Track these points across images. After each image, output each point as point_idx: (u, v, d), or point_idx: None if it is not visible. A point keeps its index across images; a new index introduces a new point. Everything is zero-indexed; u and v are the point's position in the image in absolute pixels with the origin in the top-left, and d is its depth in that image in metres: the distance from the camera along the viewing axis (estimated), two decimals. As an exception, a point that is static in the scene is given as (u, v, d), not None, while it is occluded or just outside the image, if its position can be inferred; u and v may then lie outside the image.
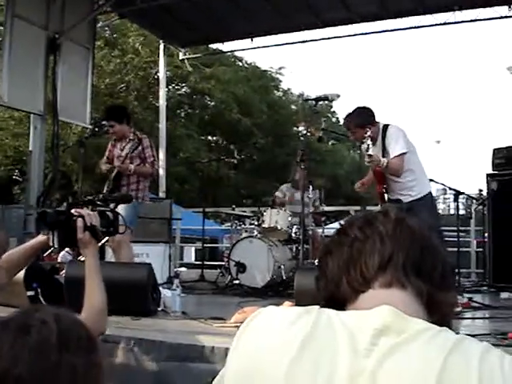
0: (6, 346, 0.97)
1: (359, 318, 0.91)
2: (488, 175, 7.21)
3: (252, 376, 0.90)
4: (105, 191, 6.02)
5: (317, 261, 1.13)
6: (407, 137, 5.33)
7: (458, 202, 7.20)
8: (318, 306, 0.97)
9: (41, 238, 2.35)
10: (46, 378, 0.97)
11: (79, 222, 2.23)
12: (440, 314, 0.98)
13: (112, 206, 2.96)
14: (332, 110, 29.89)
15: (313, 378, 0.85)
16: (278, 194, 8.04)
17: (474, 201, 8.42)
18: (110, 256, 6.16)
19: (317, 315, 0.93)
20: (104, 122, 6.21)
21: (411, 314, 0.91)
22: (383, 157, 5.22)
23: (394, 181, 5.29)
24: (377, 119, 5.37)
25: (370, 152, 5.05)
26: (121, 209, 5.88)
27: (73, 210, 2.29)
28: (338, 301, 1.01)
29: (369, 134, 5.08)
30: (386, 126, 5.31)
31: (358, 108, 5.42)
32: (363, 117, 5.33)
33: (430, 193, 5.43)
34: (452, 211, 13.09)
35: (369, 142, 5.03)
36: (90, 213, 2.29)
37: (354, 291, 0.99)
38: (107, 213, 2.45)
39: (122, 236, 5.85)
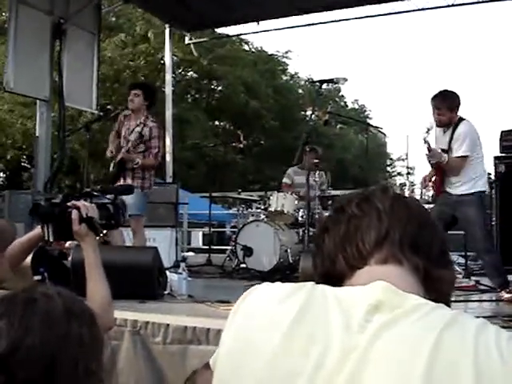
0: (16, 317, 1.00)
1: (354, 293, 0.91)
2: (495, 158, 7.17)
3: (244, 352, 0.91)
4: (110, 170, 6.03)
5: (314, 239, 1.14)
6: (477, 138, 5.26)
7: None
8: (312, 282, 0.96)
9: (38, 230, 2.30)
10: (56, 346, 1.00)
11: (74, 213, 2.15)
12: (437, 291, 0.97)
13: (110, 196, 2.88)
14: (340, 94, 29.82)
15: (305, 353, 0.85)
16: (285, 180, 8.04)
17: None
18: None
19: (310, 290, 0.93)
20: (110, 107, 6.22)
21: (407, 290, 0.91)
22: (449, 148, 5.19)
23: (450, 176, 5.27)
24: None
25: (433, 146, 5.10)
26: (130, 197, 5.90)
27: (68, 202, 2.22)
28: (334, 277, 1.00)
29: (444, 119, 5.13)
30: (460, 120, 5.22)
31: (452, 91, 5.31)
32: (457, 101, 5.25)
33: (482, 192, 5.32)
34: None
35: (428, 135, 5.04)
36: (86, 204, 2.22)
37: (350, 267, 0.99)
38: (107, 205, 2.37)
39: (136, 223, 5.91)
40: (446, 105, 5.17)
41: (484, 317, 3.64)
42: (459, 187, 5.21)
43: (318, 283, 0.97)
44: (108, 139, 6.38)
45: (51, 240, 2.26)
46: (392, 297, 0.88)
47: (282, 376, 0.85)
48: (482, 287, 5.68)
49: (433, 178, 5.43)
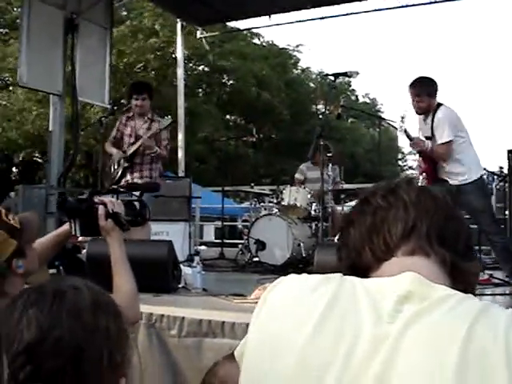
0: (45, 307, 1.02)
1: (382, 284, 0.91)
2: (509, 151, 7.12)
3: (274, 344, 0.91)
4: (113, 168, 6.07)
5: (339, 231, 1.14)
6: (458, 121, 5.26)
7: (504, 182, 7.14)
8: (340, 274, 0.97)
9: (66, 226, 2.31)
10: (83, 338, 1.01)
11: (101, 209, 2.19)
12: (464, 282, 0.98)
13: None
14: (351, 88, 29.71)
15: (335, 344, 0.85)
16: (297, 175, 8.03)
17: (495, 177, 8.34)
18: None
19: (339, 282, 0.93)
20: (123, 101, 6.26)
21: (435, 281, 0.91)
22: (432, 135, 5.20)
23: (441, 165, 5.27)
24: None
25: (415, 135, 5.10)
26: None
27: (95, 198, 2.26)
28: (360, 269, 1.00)
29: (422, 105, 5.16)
30: (438, 105, 5.24)
31: (429, 77, 5.34)
32: (436, 87, 5.28)
33: (481, 178, 5.37)
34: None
35: (403, 124, 5.05)
36: (112, 200, 2.25)
37: (377, 259, 0.99)
38: (133, 202, 2.40)
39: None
40: (426, 91, 5.20)
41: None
42: (457, 177, 5.21)
43: (344, 275, 0.97)
44: None
45: (78, 235, 2.28)
46: (421, 287, 0.89)
47: (313, 367, 0.85)
48: (496, 281, 5.66)
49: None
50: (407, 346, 0.82)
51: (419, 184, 1.08)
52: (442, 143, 5.12)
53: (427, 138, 5.29)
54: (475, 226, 6.93)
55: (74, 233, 2.27)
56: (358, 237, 1.02)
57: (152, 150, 5.94)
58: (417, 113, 5.35)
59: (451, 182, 5.23)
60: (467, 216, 6.63)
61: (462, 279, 0.98)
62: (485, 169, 5.74)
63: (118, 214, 2.22)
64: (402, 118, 5.50)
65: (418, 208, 1.00)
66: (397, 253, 0.98)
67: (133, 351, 3.37)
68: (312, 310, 0.89)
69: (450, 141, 5.10)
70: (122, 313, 1.93)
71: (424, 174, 5.47)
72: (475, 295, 0.98)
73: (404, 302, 0.87)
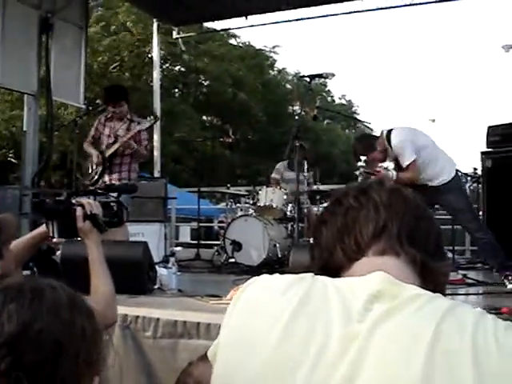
0: (25, 304, 1.03)
1: (353, 284, 0.92)
2: (482, 153, 7.22)
3: (246, 343, 0.92)
4: (91, 169, 6.04)
5: (312, 231, 1.15)
6: (413, 136, 5.34)
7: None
8: (311, 274, 0.97)
9: (42, 228, 2.31)
10: (63, 334, 1.02)
11: (79, 210, 2.18)
12: (434, 282, 0.99)
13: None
14: (327, 89, 29.84)
15: (306, 344, 0.86)
16: (274, 175, 8.05)
17: (469, 179, 8.44)
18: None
19: (311, 282, 0.94)
20: (98, 101, 6.23)
21: (405, 281, 0.92)
22: (397, 161, 5.32)
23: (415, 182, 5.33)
24: (377, 135, 5.53)
25: (378, 168, 5.28)
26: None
27: (73, 200, 2.25)
28: (332, 269, 1.01)
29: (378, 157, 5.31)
30: (388, 133, 5.33)
31: (361, 137, 5.68)
32: (373, 139, 5.46)
33: (456, 176, 5.44)
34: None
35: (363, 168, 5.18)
36: (90, 201, 2.25)
37: (348, 259, 1.00)
38: (111, 203, 2.40)
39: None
40: (371, 149, 5.35)
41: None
42: (434, 180, 5.28)
43: (316, 275, 0.98)
44: None
45: (56, 237, 2.27)
46: (391, 287, 0.90)
47: (284, 366, 0.86)
48: (469, 281, 5.73)
49: None
50: (376, 345, 0.83)
51: (391, 185, 1.08)
52: (408, 165, 5.20)
53: (394, 161, 5.43)
54: (449, 227, 7.04)
55: (51, 234, 2.26)
56: (330, 237, 1.03)
57: (131, 146, 5.93)
58: (381, 162, 5.48)
59: (430, 184, 5.29)
60: (448, 216, 6.72)
61: (432, 279, 0.99)
62: (458, 170, 5.79)
63: (96, 216, 2.21)
64: (365, 162, 5.64)
65: (389, 209, 1.01)
66: (368, 253, 0.99)
67: (107, 351, 3.35)
68: (283, 310, 0.90)
69: (414, 160, 5.18)
70: (98, 314, 1.94)
71: None
72: (445, 295, 1.00)
73: (374, 301, 0.88)
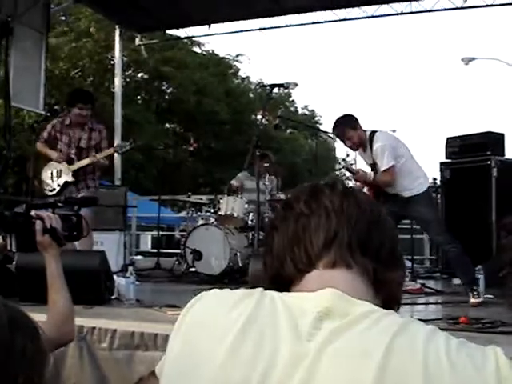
0: None
1: (303, 300, 0.89)
2: (441, 164, 7.34)
3: (192, 361, 0.89)
4: (52, 179, 5.93)
5: (264, 236, 1.12)
6: (395, 142, 5.37)
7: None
8: (261, 289, 0.95)
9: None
10: (0, 356, 0.98)
11: (38, 224, 2.14)
12: (387, 292, 0.97)
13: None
14: (291, 98, 30.02)
15: (253, 363, 0.83)
16: (232, 182, 8.02)
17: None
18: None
19: (259, 297, 0.91)
20: (57, 107, 6.13)
21: (356, 296, 0.90)
22: (374, 163, 5.31)
23: (388, 189, 5.37)
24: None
25: (355, 168, 5.18)
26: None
27: (32, 212, 2.20)
28: (282, 280, 0.98)
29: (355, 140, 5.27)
30: (372, 134, 5.33)
31: (343, 115, 5.43)
32: (354, 119, 5.38)
33: (429, 189, 5.49)
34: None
35: (348, 161, 5.18)
36: (50, 215, 2.21)
37: (299, 271, 0.97)
38: (71, 216, 2.35)
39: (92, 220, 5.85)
40: (348, 127, 5.32)
41: (429, 320, 3.73)
42: (406, 191, 5.29)
43: (267, 287, 0.95)
44: None
45: (14, 250, 2.22)
46: (341, 304, 0.87)
47: None
48: (428, 290, 5.80)
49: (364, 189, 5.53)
50: (325, 364, 0.81)
51: (344, 188, 1.05)
52: (385, 170, 5.21)
53: (371, 165, 5.41)
54: (408, 236, 7.11)
55: (9, 247, 2.19)
56: (281, 246, 1.00)
57: (102, 164, 5.95)
58: (353, 149, 5.52)
59: (402, 194, 5.32)
60: (407, 226, 6.76)
61: (385, 289, 0.97)
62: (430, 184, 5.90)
63: (56, 230, 2.18)
64: (344, 159, 5.60)
65: (341, 215, 0.97)
66: (318, 265, 0.95)
67: (61, 364, 3.28)
68: (230, 328, 0.87)
69: (392, 166, 5.20)
70: (54, 330, 1.93)
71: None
72: (400, 305, 0.99)
73: (323, 319, 0.85)
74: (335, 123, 5.39)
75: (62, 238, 2.20)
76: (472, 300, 4.84)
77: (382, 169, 5.23)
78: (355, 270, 0.95)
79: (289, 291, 0.96)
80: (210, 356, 0.87)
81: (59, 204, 2.52)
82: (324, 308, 0.86)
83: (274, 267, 1.00)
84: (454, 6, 9.04)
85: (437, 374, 0.78)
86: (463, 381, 0.78)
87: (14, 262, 4.31)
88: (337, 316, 0.85)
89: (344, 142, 5.41)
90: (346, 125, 5.33)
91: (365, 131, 5.37)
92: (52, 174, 5.95)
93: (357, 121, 5.36)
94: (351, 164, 5.63)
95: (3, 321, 1.02)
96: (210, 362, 0.86)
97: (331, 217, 0.97)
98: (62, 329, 2.05)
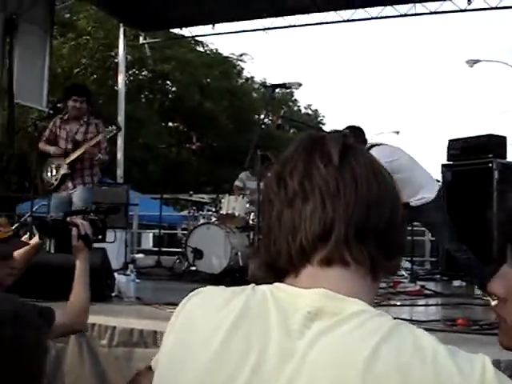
0: None
1: (295, 298, 0.89)
2: (443, 165, 7.34)
3: (184, 357, 0.90)
4: (51, 174, 5.96)
5: (261, 211, 1.08)
6: (392, 153, 5.28)
7: (413, 192, 7.30)
8: (253, 284, 0.94)
9: (33, 243, 2.58)
10: (2, 346, 1.02)
11: (74, 231, 2.46)
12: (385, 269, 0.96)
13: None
14: (293, 98, 30.01)
15: (241, 360, 0.84)
16: (237, 183, 8.03)
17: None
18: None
19: (250, 295, 0.91)
20: (60, 105, 6.14)
21: (351, 294, 0.88)
22: None
23: None
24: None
25: None
26: (77, 195, 5.85)
27: (68, 219, 2.55)
28: (278, 270, 0.95)
29: None
30: (369, 148, 5.20)
31: (350, 126, 5.42)
32: (362, 134, 5.43)
33: (438, 195, 5.45)
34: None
35: None
36: (83, 222, 2.53)
37: (293, 265, 0.93)
38: (97, 221, 2.67)
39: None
40: (359, 141, 5.21)
41: (427, 321, 3.73)
42: (414, 200, 5.26)
43: (261, 274, 0.95)
44: None
45: (52, 252, 2.55)
46: (332, 304, 0.86)
47: (219, 381, 0.84)
48: (428, 292, 5.80)
49: None
50: (312, 362, 0.81)
51: (341, 156, 0.94)
52: None
53: None
54: (409, 238, 7.10)
55: (48, 249, 2.54)
56: (277, 232, 0.94)
57: (95, 156, 5.88)
58: None
59: (412, 203, 5.27)
60: (418, 228, 6.63)
61: (382, 273, 0.96)
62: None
63: (88, 236, 2.49)
64: None
65: (336, 200, 0.91)
66: (313, 260, 0.91)
67: (61, 360, 3.30)
68: (221, 324, 0.88)
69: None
70: (70, 318, 2.27)
71: None
72: (385, 307, 0.99)
73: (314, 318, 0.85)
74: (351, 134, 5.33)
75: (92, 241, 2.53)
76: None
77: None
78: (352, 268, 0.91)
79: (282, 281, 0.94)
80: (202, 353, 0.88)
81: (89, 212, 2.94)
82: (315, 308, 0.86)
83: (271, 255, 0.96)
84: (458, 9, 9.04)
85: (421, 379, 0.77)
86: None
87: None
88: (327, 315, 0.85)
89: None
90: (357, 138, 5.24)
91: (365, 145, 5.34)
92: (51, 169, 6.01)
93: (361, 135, 5.37)
94: None
95: (8, 314, 1.05)
96: (202, 359, 0.87)
97: (326, 204, 0.91)
98: (77, 319, 2.40)
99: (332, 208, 0.91)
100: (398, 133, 28.03)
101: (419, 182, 5.29)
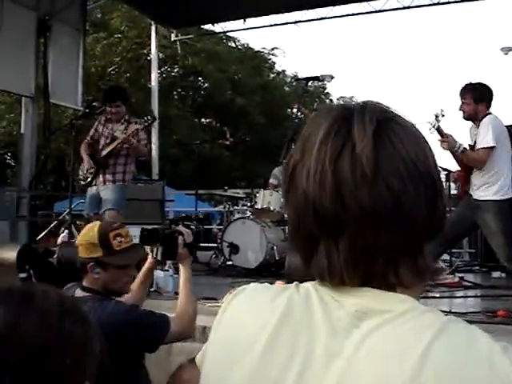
0: (12, 307, 1.03)
1: (340, 295, 0.86)
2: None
3: (230, 354, 0.90)
4: (85, 169, 6.02)
5: (286, 175, 0.87)
6: (504, 133, 4.95)
7: (449, 182, 7.21)
8: (296, 282, 0.92)
9: (149, 263, 2.73)
10: (49, 339, 1.01)
11: (180, 239, 2.59)
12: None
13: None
14: (326, 91, 29.84)
15: (288, 360, 0.83)
16: (271, 180, 8.03)
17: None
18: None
19: (293, 293, 0.90)
20: (95, 104, 6.20)
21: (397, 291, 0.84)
22: (474, 144, 4.93)
23: (475, 173, 4.96)
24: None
25: (445, 133, 4.85)
26: (106, 193, 5.89)
27: (178, 227, 2.69)
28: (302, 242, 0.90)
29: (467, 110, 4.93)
30: (487, 114, 4.95)
31: (482, 84, 5.08)
32: (485, 94, 5.01)
33: (508, 200, 4.90)
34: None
35: (437, 122, 4.83)
36: (188, 232, 2.64)
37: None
38: (194, 230, 2.90)
39: (114, 219, 5.92)
40: (471, 95, 4.96)
41: (467, 312, 3.70)
42: (484, 190, 4.90)
43: (300, 268, 0.91)
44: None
45: (159, 258, 2.71)
46: (380, 301, 0.83)
47: (266, 382, 0.84)
48: (467, 283, 5.73)
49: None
50: (361, 362, 0.79)
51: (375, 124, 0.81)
52: (483, 147, 4.81)
53: (470, 146, 5.01)
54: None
55: (154, 256, 2.69)
56: (301, 206, 0.86)
57: (130, 142, 5.85)
58: (463, 117, 5.06)
59: (474, 196, 4.96)
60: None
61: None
62: (455, 172, 5.58)
63: (192, 245, 2.63)
64: (437, 116, 5.21)
65: (376, 176, 0.81)
66: (345, 279, 0.85)
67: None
68: (267, 323, 0.87)
69: (492, 147, 4.78)
70: (178, 328, 2.44)
71: (457, 181, 5.34)
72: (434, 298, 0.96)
73: (363, 317, 0.83)
74: (466, 85, 5.05)
75: (194, 250, 2.70)
76: None
77: (480, 146, 4.82)
78: (391, 281, 0.84)
79: None
80: (248, 353, 0.87)
81: (187, 221, 3.07)
82: (363, 306, 0.83)
83: (294, 224, 0.90)
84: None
85: (476, 378, 0.75)
86: None
87: (56, 256, 4.42)
88: (376, 314, 0.82)
89: (461, 101, 5.05)
90: (472, 93, 4.96)
91: (487, 111, 4.98)
92: (84, 169, 6.07)
93: (486, 97, 5.00)
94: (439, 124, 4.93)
95: (55, 307, 1.06)
96: (248, 360, 0.86)
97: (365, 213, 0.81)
98: (185, 327, 2.55)
99: (368, 190, 0.81)
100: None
101: (500, 175, 4.91)
